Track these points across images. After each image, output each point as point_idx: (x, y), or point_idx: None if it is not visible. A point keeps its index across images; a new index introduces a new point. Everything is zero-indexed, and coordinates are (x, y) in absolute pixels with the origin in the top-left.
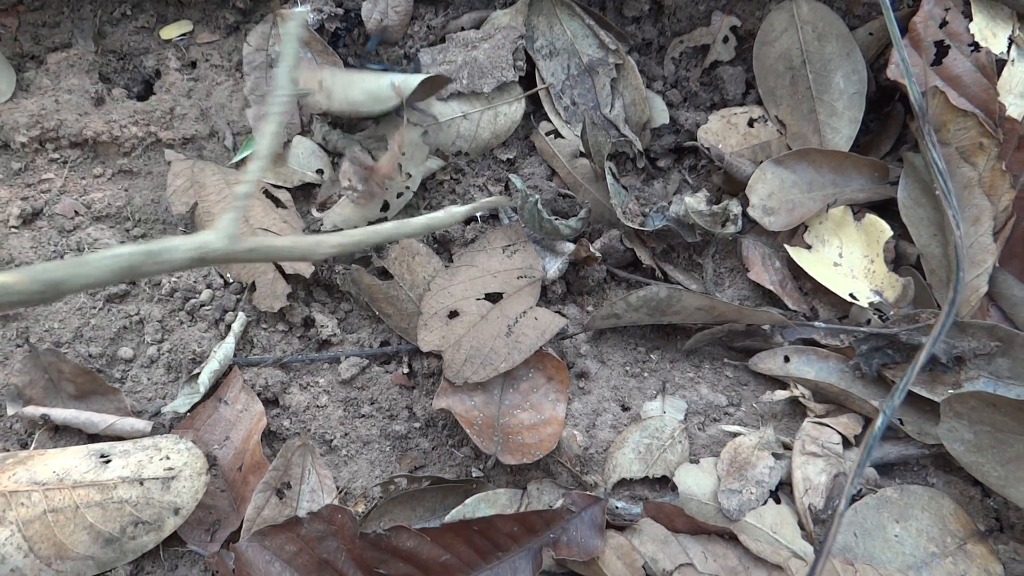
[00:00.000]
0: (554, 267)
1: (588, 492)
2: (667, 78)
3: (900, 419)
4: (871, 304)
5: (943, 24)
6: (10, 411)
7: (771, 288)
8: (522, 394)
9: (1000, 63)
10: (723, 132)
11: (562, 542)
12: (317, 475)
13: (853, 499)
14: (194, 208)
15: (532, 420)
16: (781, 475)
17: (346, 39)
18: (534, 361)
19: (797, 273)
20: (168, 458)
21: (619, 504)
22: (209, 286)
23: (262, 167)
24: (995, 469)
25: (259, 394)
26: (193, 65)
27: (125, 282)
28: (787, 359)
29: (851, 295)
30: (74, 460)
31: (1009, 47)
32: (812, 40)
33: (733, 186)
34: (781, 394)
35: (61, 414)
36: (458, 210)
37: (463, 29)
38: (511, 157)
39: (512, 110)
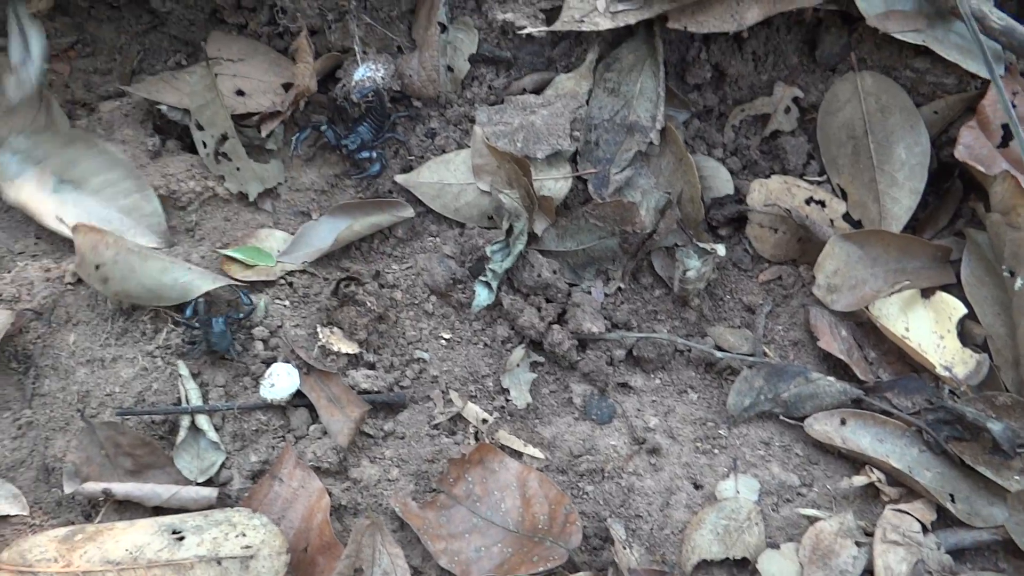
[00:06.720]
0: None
1: (656, 568)
2: (727, 145)
3: (951, 495)
4: (940, 379)
5: (1011, 107)
6: (68, 489)
7: (841, 357)
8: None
9: None
10: (781, 194)
11: None
12: (388, 555)
13: None
14: None
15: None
16: (864, 564)
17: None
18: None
19: (862, 343)
20: (244, 535)
21: None
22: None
23: None
24: None
25: (317, 468)
26: None
27: None
28: (843, 422)
29: (921, 366)
30: (146, 537)
31: None
32: (875, 111)
33: (790, 251)
34: (859, 480)
35: (122, 488)
36: None
37: (524, 91)
38: None
39: (557, 187)
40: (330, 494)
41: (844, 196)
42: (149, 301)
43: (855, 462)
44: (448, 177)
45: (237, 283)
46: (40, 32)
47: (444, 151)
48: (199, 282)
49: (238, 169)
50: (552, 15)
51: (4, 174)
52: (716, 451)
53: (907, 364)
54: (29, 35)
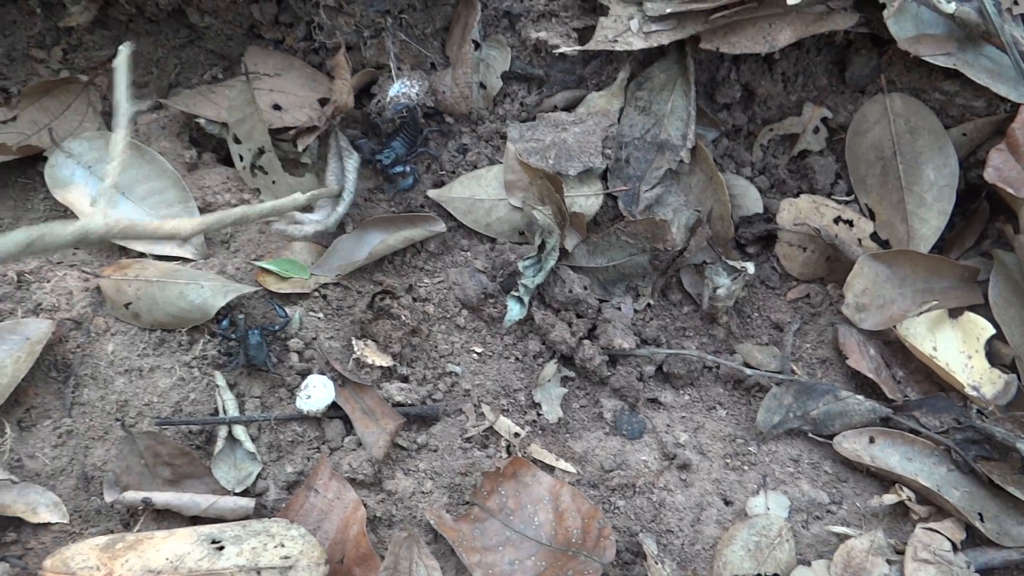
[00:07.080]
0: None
1: None
2: (755, 164)
3: (980, 514)
4: (968, 398)
5: None
6: (108, 498)
7: (870, 376)
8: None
9: None
10: (810, 213)
11: None
12: (425, 568)
13: None
14: None
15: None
16: None
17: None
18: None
19: (891, 362)
20: (283, 545)
21: None
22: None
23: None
24: None
25: (352, 479)
26: None
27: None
28: (872, 440)
29: (949, 385)
30: (186, 546)
31: None
32: (904, 132)
33: (818, 270)
34: (889, 498)
35: (162, 497)
36: (300, 197)
37: (556, 108)
38: None
39: (588, 204)
40: (365, 506)
41: (872, 216)
42: (180, 325)
43: (884, 480)
44: (480, 192)
45: (269, 293)
46: (357, 161)
47: (476, 167)
48: (212, 299)
49: (274, 182)
50: (584, 34)
51: (56, 177)
52: (746, 467)
53: (935, 383)
54: (347, 165)
